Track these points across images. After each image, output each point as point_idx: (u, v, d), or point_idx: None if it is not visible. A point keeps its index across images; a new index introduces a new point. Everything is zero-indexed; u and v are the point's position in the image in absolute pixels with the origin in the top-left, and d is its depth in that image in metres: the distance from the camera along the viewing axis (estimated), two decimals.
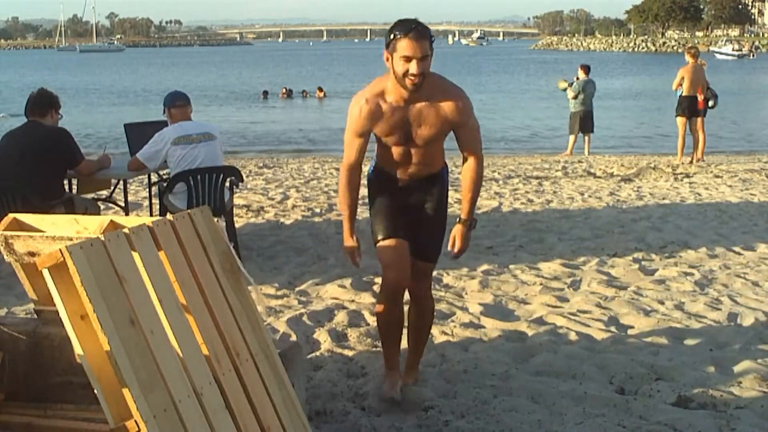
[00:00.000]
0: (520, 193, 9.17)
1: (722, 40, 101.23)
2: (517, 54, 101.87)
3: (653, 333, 4.44)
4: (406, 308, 3.69)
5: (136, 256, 2.35)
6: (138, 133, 6.25)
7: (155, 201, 6.89)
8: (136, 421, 2.12)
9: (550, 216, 7.75)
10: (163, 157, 5.71)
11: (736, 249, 6.43)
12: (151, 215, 6.71)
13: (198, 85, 41.95)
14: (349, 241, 3.60)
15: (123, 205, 6.41)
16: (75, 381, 2.75)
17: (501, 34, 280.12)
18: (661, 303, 5.01)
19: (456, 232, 3.56)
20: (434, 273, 4.12)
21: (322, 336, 4.41)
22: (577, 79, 13.75)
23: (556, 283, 5.46)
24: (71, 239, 2.47)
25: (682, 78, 11.63)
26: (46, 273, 2.23)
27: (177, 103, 5.88)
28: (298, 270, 5.80)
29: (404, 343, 3.76)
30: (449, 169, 3.74)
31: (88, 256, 2.19)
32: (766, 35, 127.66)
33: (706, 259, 6.14)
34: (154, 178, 7.00)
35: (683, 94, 11.68)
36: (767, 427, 3.31)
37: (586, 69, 13.72)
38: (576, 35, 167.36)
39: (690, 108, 11.67)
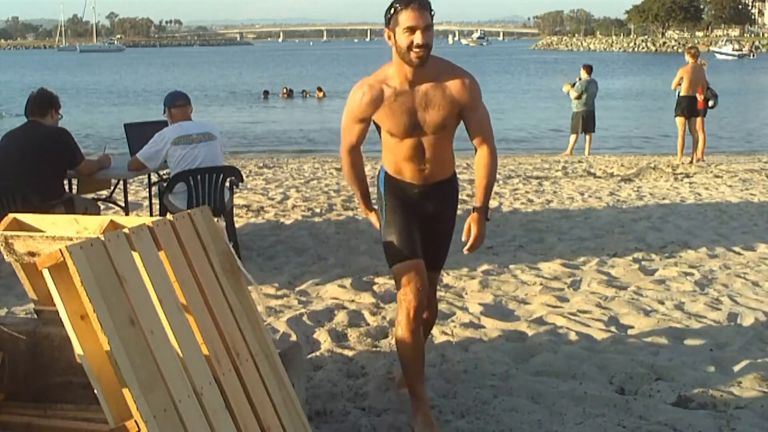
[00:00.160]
0: (520, 193, 9.17)
1: (722, 40, 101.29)
2: (517, 54, 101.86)
3: (653, 333, 4.44)
4: None
5: (136, 256, 2.35)
6: (138, 133, 6.25)
7: (155, 201, 6.89)
8: (136, 421, 2.12)
9: (550, 216, 7.75)
10: (163, 157, 5.71)
11: (736, 249, 6.43)
12: (151, 215, 6.72)
13: (199, 85, 41.97)
14: (368, 214, 3.58)
15: (123, 205, 6.41)
16: (75, 381, 2.75)
17: (501, 34, 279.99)
18: (661, 303, 5.01)
19: (471, 220, 3.32)
20: None
21: (322, 336, 4.41)
22: (580, 79, 13.76)
23: (556, 283, 5.46)
24: (71, 239, 2.47)
25: (681, 78, 11.64)
26: (46, 273, 2.23)
27: (177, 103, 5.88)
28: (298, 270, 5.80)
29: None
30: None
31: (88, 256, 2.19)
32: (766, 35, 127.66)
33: (706, 259, 6.14)
34: (154, 178, 7.00)
35: (682, 94, 11.69)
36: (767, 427, 3.31)
37: (589, 69, 13.73)
38: (576, 35, 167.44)
39: (689, 108, 11.68)
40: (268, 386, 2.61)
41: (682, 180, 10.27)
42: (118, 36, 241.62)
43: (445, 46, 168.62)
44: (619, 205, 8.37)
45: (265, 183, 10.10)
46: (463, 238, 3.34)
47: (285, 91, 32.95)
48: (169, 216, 2.63)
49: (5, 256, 2.73)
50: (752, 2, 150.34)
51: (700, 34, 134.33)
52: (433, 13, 3.10)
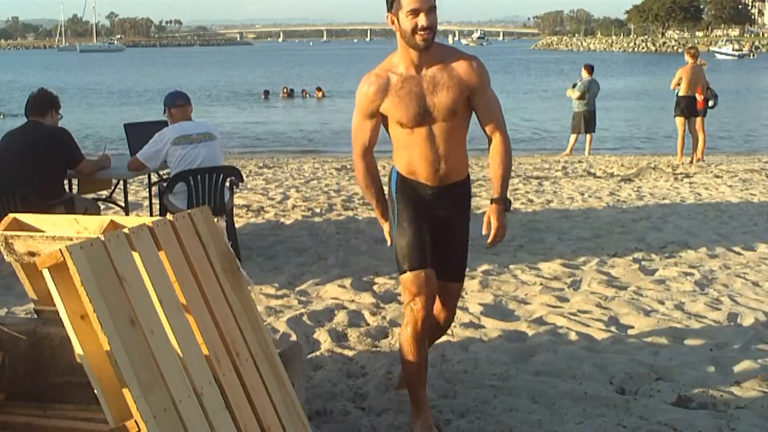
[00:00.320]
0: (520, 193, 9.17)
1: (722, 40, 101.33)
2: (518, 54, 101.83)
3: (653, 333, 4.44)
4: None
5: (136, 256, 2.35)
6: (138, 133, 6.25)
7: (155, 201, 6.89)
8: (136, 421, 2.12)
9: (550, 216, 7.75)
10: (164, 157, 5.71)
11: (736, 249, 6.43)
12: (151, 215, 6.72)
13: (200, 85, 41.97)
14: (384, 223, 3.36)
15: (123, 205, 6.41)
16: (75, 381, 2.75)
17: (501, 34, 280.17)
18: (661, 303, 5.01)
19: (491, 212, 3.18)
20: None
21: (322, 336, 4.41)
22: (581, 79, 13.77)
23: (556, 283, 5.46)
24: (71, 239, 2.47)
25: (680, 78, 11.64)
26: (46, 273, 2.24)
27: (177, 103, 5.88)
28: (298, 270, 5.80)
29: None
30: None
31: (88, 256, 2.19)
32: (766, 35, 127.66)
33: (706, 259, 6.14)
34: (154, 178, 7.00)
35: (681, 94, 11.69)
36: (767, 427, 3.31)
37: (590, 69, 13.73)
38: (576, 35, 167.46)
39: (688, 108, 11.68)
40: (268, 386, 2.61)
41: (682, 180, 10.27)
42: (118, 36, 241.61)
43: None
44: (619, 205, 8.37)
45: (265, 183, 10.10)
46: (484, 232, 3.20)
47: (285, 90, 32.98)
48: (169, 216, 2.63)
49: (5, 256, 2.73)
50: (752, 2, 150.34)
51: (700, 34, 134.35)
52: None
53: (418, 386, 3.29)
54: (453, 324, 4.54)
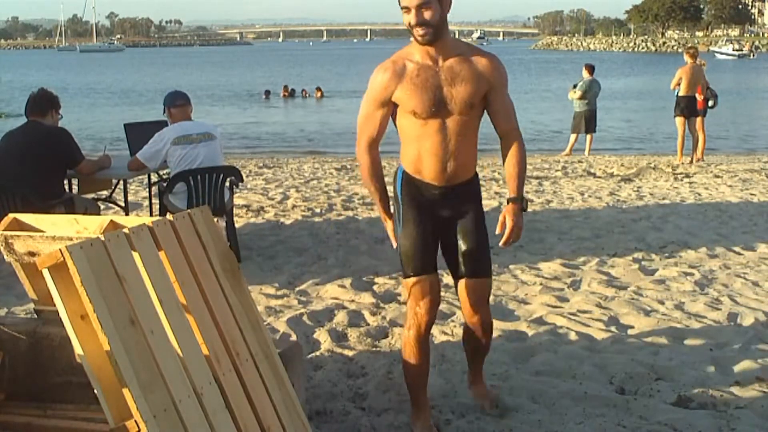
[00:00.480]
0: None
1: (722, 40, 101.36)
2: (518, 54, 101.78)
3: (653, 333, 4.44)
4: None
5: (136, 256, 2.35)
6: (138, 133, 6.25)
7: (155, 201, 6.89)
8: (136, 421, 2.12)
9: (550, 216, 7.75)
10: (163, 157, 5.71)
11: (736, 249, 6.43)
12: (151, 215, 6.72)
13: (200, 85, 41.96)
14: (386, 221, 3.28)
15: (123, 205, 6.41)
16: (75, 381, 2.75)
17: (501, 34, 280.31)
18: (661, 303, 5.01)
19: (507, 211, 3.11)
20: None
21: (322, 336, 4.41)
22: (582, 79, 13.76)
23: (556, 283, 5.46)
24: (71, 239, 2.47)
25: (680, 78, 11.64)
26: (46, 273, 2.23)
27: (177, 103, 5.88)
28: (298, 270, 5.80)
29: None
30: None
31: (88, 256, 2.19)
32: (766, 35, 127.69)
33: (706, 259, 6.14)
34: (154, 178, 7.00)
35: (680, 94, 11.70)
36: (767, 427, 3.31)
37: (591, 68, 13.73)
38: (576, 35, 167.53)
39: (688, 108, 11.68)
40: (268, 386, 2.61)
41: (682, 180, 10.27)
42: (118, 36, 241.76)
43: None
44: (619, 205, 8.37)
45: (265, 183, 10.10)
46: (497, 231, 3.12)
47: (285, 89, 32.99)
48: (169, 216, 2.63)
49: (5, 256, 2.73)
50: (752, 2, 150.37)
51: (700, 34, 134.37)
52: None
53: (418, 388, 3.28)
54: (453, 324, 4.56)
